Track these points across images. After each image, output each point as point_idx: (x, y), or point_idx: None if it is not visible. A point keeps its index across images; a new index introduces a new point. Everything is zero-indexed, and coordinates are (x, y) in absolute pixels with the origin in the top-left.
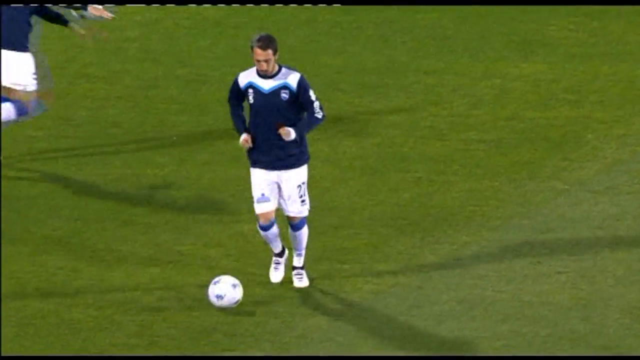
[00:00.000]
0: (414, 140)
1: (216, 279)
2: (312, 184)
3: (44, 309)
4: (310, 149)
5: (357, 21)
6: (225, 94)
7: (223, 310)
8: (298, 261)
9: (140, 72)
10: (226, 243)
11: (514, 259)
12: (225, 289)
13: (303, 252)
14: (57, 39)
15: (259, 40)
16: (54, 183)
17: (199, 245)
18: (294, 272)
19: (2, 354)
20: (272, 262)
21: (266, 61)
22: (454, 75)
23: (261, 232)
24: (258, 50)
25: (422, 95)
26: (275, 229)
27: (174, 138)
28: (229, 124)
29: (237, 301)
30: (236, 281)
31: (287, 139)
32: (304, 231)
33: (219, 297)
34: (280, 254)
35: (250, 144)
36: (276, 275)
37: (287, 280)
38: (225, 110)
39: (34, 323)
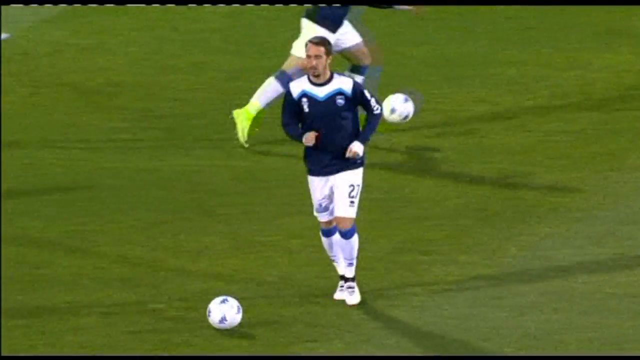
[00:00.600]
0: (496, 131)
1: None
2: (394, 175)
3: (127, 299)
4: (391, 141)
5: (439, 12)
6: None
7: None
8: (349, 271)
9: (223, 64)
10: (307, 234)
11: (597, 251)
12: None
13: (354, 261)
14: (141, 31)
15: (314, 37)
16: (138, 174)
17: (281, 236)
18: (346, 284)
19: (2, 354)
20: (338, 285)
21: (317, 57)
22: (537, 66)
23: (322, 239)
24: (311, 46)
25: (504, 87)
26: (337, 237)
27: (256, 130)
28: None
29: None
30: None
31: (358, 156)
32: (354, 239)
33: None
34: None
35: (312, 138)
36: (339, 295)
37: (368, 269)
38: None
39: (117, 313)
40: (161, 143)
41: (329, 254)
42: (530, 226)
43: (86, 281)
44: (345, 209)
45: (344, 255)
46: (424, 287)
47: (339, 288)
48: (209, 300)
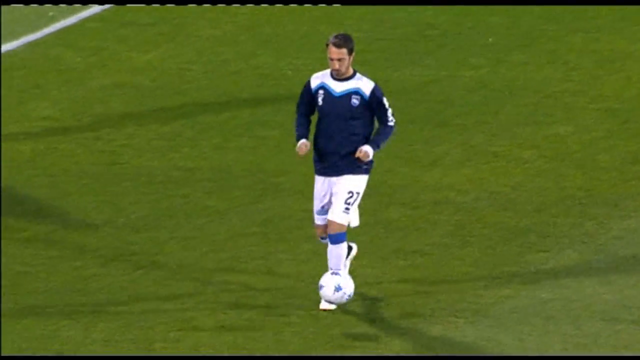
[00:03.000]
0: None
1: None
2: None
3: (360, 209)
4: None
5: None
6: None
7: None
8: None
9: None
10: (541, 144)
11: None
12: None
13: (339, 272)
14: None
15: (335, 37)
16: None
17: (514, 146)
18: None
19: (2, 354)
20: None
21: (340, 60)
22: None
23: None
24: (332, 48)
25: None
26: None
27: (490, 40)
28: None
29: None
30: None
31: (366, 160)
32: (340, 247)
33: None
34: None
35: (304, 151)
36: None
37: (605, 181)
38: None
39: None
40: (393, 52)
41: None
42: None
43: None
44: (338, 214)
45: (329, 263)
46: None
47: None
48: (440, 210)
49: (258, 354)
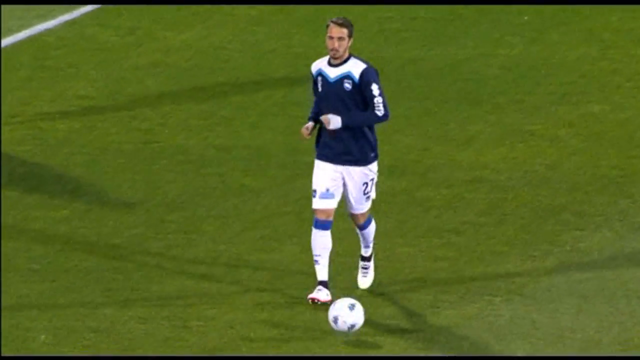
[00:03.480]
0: None
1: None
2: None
3: (395, 187)
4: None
5: None
6: None
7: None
8: (366, 251)
9: None
10: (576, 123)
11: None
12: (341, 311)
13: (371, 244)
14: None
15: (337, 18)
16: (407, 64)
17: (549, 125)
18: (361, 263)
19: (2, 354)
20: (315, 288)
21: (339, 39)
22: None
23: (314, 233)
24: (333, 27)
25: None
26: (328, 238)
27: (525, 18)
28: None
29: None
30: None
31: (328, 127)
32: (371, 227)
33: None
34: (324, 284)
35: (307, 134)
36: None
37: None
38: None
39: (386, 201)
40: (431, 32)
41: (314, 252)
42: None
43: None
44: (362, 205)
45: (362, 240)
46: None
47: (316, 289)
48: (475, 188)
49: (296, 333)
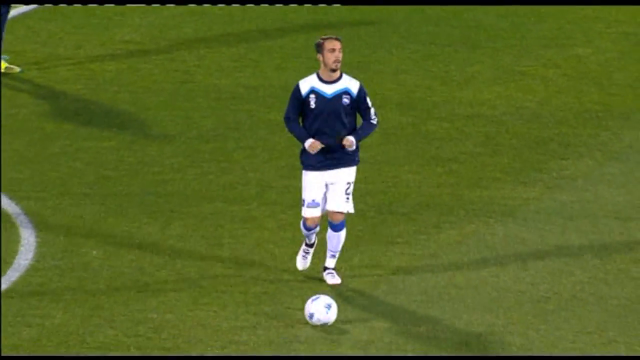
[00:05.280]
0: None
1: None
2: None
3: (402, 122)
4: None
5: None
6: None
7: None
8: (331, 262)
9: None
10: (563, 64)
11: None
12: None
13: (337, 255)
14: None
15: (333, 35)
16: (433, 11)
17: (538, 66)
18: (326, 272)
19: (2, 354)
20: (301, 250)
21: (341, 50)
22: None
23: (303, 231)
24: (336, 42)
25: None
26: (316, 230)
27: None
28: None
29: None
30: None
31: (351, 149)
32: (343, 233)
33: (328, 306)
34: (312, 245)
35: (318, 146)
36: (303, 263)
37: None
38: None
39: (395, 133)
40: None
41: (307, 238)
42: None
43: None
44: (342, 204)
45: (330, 246)
46: None
47: (302, 254)
48: (473, 123)
49: (317, 249)
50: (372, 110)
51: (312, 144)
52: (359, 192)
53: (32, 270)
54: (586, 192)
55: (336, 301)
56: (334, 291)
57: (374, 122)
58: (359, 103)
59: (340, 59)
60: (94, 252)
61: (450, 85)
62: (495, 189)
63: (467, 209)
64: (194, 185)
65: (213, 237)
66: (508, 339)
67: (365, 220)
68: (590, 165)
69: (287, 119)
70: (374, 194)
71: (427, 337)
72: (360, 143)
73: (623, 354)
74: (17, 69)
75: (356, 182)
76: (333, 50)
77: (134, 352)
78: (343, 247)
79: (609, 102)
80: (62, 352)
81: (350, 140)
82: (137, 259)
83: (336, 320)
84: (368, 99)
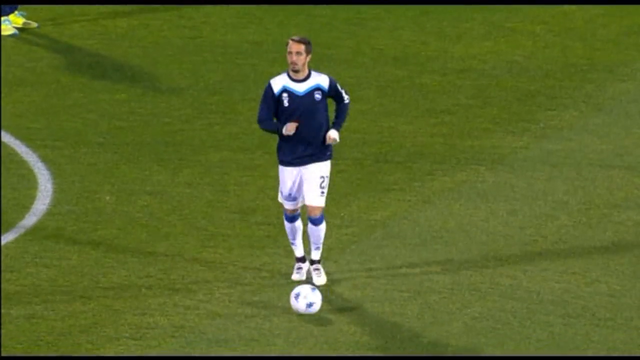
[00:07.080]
0: None
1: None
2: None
3: (398, 75)
4: None
5: None
6: None
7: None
8: (316, 254)
9: None
10: (550, 20)
11: None
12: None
13: (321, 246)
14: None
15: (295, 36)
16: None
17: (527, 22)
18: (312, 266)
19: (2, 354)
20: (295, 267)
21: (297, 53)
22: None
23: (286, 224)
24: (292, 43)
25: None
26: (299, 223)
27: None
28: None
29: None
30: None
31: (335, 142)
32: (323, 226)
33: (310, 305)
34: (302, 259)
35: (294, 127)
36: (298, 277)
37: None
38: None
39: (391, 86)
40: None
41: (290, 238)
42: None
43: (365, 59)
44: (317, 199)
45: (312, 239)
46: None
47: (295, 270)
48: (464, 77)
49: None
50: (343, 91)
51: (288, 127)
52: (356, 142)
53: (49, 214)
54: (571, 142)
55: (335, 246)
56: (331, 240)
57: (347, 101)
58: (333, 95)
59: (296, 59)
60: (107, 197)
61: (444, 40)
62: (486, 138)
63: (459, 157)
64: (202, 135)
65: (219, 184)
66: (497, 279)
67: (363, 168)
68: (575, 116)
69: (261, 121)
70: (371, 144)
71: (421, 278)
72: (356, 98)
73: (604, 292)
74: (34, 24)
75: (354, 132)
76: (290, 52)
77: (145, 292)
78: (342, 192)
79: (593, 56)
80: (78, 292)
81: (332, 138)
82: (147, 205)
83: (335, 262)
84: (339, 86)
